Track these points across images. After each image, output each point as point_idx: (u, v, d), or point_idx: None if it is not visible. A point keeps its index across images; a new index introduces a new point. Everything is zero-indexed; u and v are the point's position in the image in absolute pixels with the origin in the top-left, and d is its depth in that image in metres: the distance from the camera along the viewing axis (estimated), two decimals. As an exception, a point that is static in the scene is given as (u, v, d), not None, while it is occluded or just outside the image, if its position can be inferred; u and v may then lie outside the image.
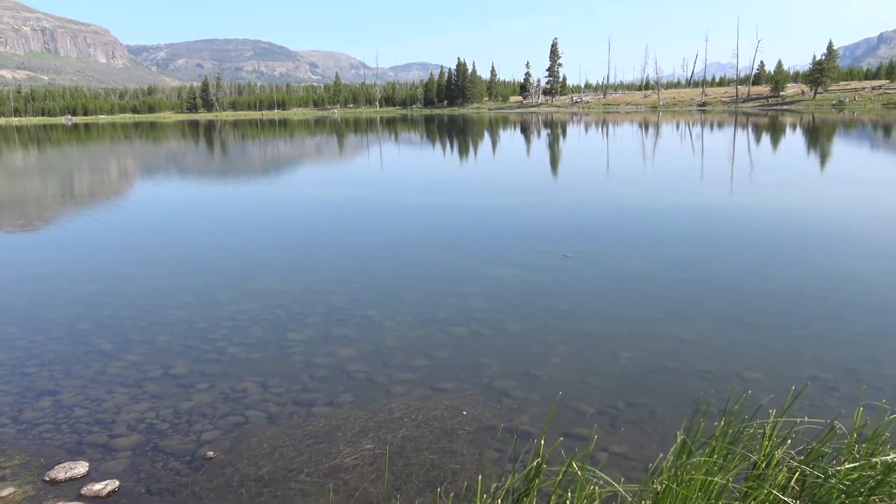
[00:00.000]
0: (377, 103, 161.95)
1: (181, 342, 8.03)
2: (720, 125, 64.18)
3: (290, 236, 15.00)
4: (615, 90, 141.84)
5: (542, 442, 3.82)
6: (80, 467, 5.20)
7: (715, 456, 3.44)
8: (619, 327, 8.35)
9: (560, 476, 3.42)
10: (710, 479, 3.13)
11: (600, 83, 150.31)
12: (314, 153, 47.43)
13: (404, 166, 34.34)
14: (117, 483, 4.99)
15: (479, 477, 3.49)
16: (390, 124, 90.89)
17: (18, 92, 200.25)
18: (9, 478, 5.16)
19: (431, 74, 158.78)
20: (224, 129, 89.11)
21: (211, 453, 5.40)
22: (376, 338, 8.05)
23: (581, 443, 5.37)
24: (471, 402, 6.21)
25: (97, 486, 4.92)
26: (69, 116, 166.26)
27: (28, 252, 14.35)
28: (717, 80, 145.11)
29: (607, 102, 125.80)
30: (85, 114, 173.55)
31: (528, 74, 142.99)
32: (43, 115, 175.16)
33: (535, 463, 3.73)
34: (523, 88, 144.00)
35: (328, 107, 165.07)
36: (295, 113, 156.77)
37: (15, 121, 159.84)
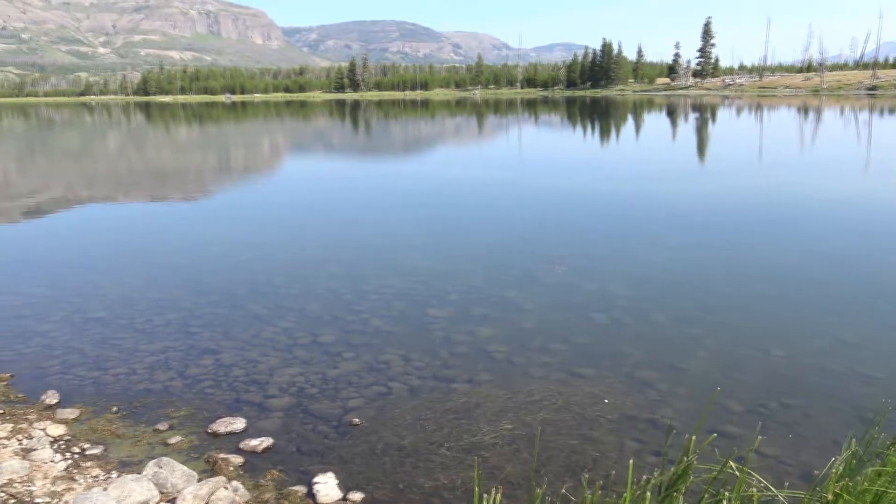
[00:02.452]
0: (518, 84, 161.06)
1: (328, 312, 8.38)
2: (892, 111, 58.81)
3: (430, 215, 15.26)
4: (772, 72, 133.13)
5: (694, 438, 3.67)
6: (239, 423, 5.56)
7: (890, 468, 3.17)
8: (771, 324, 7.87)
9: (715, 475, 3.27)
10: (888, 491, 2.88)
11: (756, 65, 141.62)
12: (454, 134, 47.94)
13: (543, 149, 34.01)
14: (271, 441, 5.29)
15: (631, 462, 3.39)
16: (531, 106, 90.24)
17: (185, 72, 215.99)
18: (176, 427, 5.60)
19: (575, 55, 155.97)
20: (368, 109, 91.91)
21: (356, 420, 5.61)
22: (515, 319, 8.04)
23: (728, 441, 5.12)
24: (612, 390, 6.07)
25: (253, 442, 5.24)
26: (228, 95, 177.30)
27: (192, 221, 15.49)
28: (890, 61, 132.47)
29: (763, 85, 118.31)
30: (242, 92, 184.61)
31: (677, 55, 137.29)
32: (205, 93, 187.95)
33: (685, 458, 3.59)
34: (671, 70, 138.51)
35: (469, 87, 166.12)
36: (436, 93, 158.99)
37: (181, 98, 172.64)
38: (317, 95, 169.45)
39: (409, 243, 12.32)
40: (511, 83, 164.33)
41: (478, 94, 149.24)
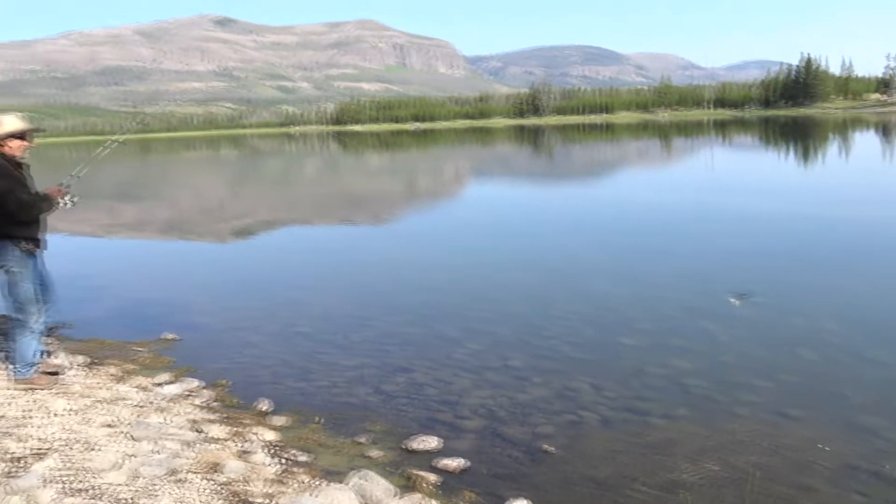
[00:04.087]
0: (707, 105, 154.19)
1: (517, 336, 8.39)
2: None
3: (617, 241, 14.88)
4: None
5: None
6: (432, 441, 5.67)
7: None
8: None
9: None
10: None
11: None
12: (636, 157, 46.71)
13: (738, 171, 32.17)
14: (465, 462, 5.34)
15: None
16: (721, 127, 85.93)
17: (375, 102, 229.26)
18: (374, 441, 5.83)
19: (769, 72, 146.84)
20: (550, 134, 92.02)
21: (548, 447, 5.53)
22: (713, 352, 7.60)
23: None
24: (828, 436, 5.52)
25: (448, 462, 5.32)
26: (417, 125, 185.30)
27: (385, 243, 16.31)
28: None
29: None
30: (427, 120, 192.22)
31: (890, 68, 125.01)
32: (394, 122, 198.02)
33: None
34: (884, 84, 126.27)
35: (653, 109, 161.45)
36: (619, 117, 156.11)
37: (373, 127, 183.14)
38: (498, 122, 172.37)
39: (598, 268, 12.10)
40: (698, 104, 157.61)
41: (664, 116, 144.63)
